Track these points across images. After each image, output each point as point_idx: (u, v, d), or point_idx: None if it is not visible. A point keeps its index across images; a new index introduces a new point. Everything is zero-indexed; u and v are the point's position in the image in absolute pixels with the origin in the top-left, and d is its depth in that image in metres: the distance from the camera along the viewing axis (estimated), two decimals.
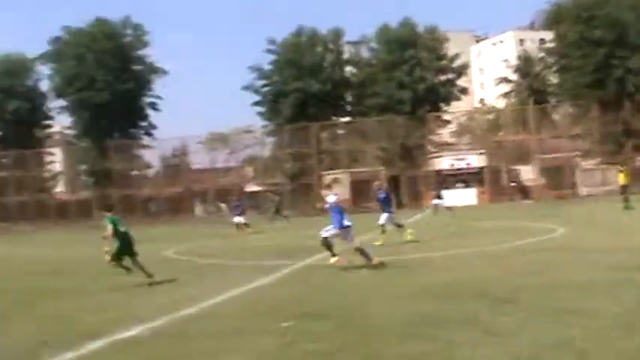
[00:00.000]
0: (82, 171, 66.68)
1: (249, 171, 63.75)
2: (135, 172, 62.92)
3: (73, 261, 19.45)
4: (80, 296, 11.82)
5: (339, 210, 13.12)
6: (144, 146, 63.34)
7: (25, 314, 10.31)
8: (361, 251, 13.17)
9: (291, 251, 16.10)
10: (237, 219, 29.48)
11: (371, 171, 51.19)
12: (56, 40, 62.44)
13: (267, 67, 61.01)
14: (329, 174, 53.61)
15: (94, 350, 7.18)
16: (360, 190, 45.63)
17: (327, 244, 13.19)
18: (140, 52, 62.63)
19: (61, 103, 63.78)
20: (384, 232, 17.99)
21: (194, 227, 40.50)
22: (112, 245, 12.41)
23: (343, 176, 51.52)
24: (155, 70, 62.72)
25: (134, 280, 12.73)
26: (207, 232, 32.72)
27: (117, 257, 12.47)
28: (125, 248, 12.45)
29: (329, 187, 13.42)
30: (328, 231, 13.19)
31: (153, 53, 68.76)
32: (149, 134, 63.04)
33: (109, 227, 12.23)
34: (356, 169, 52.77)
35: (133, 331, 7.98)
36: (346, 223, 13.01)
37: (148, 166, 64.27)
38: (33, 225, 55.33)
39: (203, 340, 7.34)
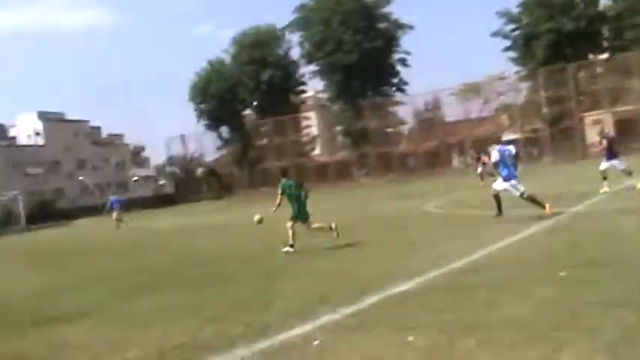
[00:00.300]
0: (338, 132, 76.95)
1: (504, 119, 68.91)
2: (390, 130, 71.56)
3: (339, 220, 21.07)
4: (349, 253, 13.34)
5: (506, 162, 15.01)
6: (397, 103, 72.33)
7: (299, 272, 11.65)
8: (495, 197, 15.22)
9: (555, 198, 16.86)
10: (480, 170, 34.28)
11: (636, 109, 54.63)
12: (302, 7, 73.48)
13: (515, 10, 67.22)
14: (590, 115, 58.23)
15: (370, 304, 8.16)
16: (625, 130, 49.64)
17: (530, 199, 14.83)
18: (384, 10, 71.66)
19: (312, 68, 75.15)
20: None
21: (452, 180, 45.13)
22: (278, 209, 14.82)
23: (605, 117, 55.01)
24: (401, 26, 71.45)
25: (400, 236, 14.72)
26: (466, 184, 35.27)
27: (294, 220, 14.50)
28: (297, 212, 14.53)
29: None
30: (517, 188, 14.90)
31: (396, 10, 77.84)
32: (401, 90, 72.17)
33: (279, 192, 14.59)
34: (620, 109, 56.47)
35: (405, 286, 8.94)
36: (506, 175, 14.93)
37: (402, 122, 73.03)
38: None
39: (479, 292, 8.05)
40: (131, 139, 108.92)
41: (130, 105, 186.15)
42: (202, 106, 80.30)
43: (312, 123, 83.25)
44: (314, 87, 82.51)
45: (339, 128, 77.10)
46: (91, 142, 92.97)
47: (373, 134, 69.23)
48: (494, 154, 15.19)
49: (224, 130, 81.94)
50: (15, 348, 8.26)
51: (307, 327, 7.42)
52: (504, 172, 15.01)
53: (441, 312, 7.33)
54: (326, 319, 7.71)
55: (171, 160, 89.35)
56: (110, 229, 33.37)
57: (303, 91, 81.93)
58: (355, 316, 7.74)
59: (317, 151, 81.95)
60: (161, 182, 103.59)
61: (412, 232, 15.50)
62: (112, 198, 37.32)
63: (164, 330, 8.26)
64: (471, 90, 67.94)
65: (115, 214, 34.90)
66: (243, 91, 77.82)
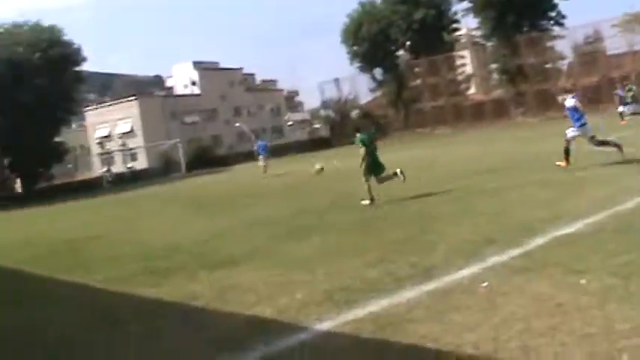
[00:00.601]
0: (494, 70, 74.73)
1: None
2: (548, 65, 68.51)
3: (501, 159, 21.94)
4: (510, 193, 13.08)
5: (577, 111, 15.38)
6: (554, 37, 69.09)
7: (458, 213, 11.66)
8: (599, 142, 15.65)
9: None
10: (622, 109, 33.17)
11: None
12: None
13: None
14: None
15: (537, 246, 7.90)
16: None
17: (566, 148, 15.51)
18: None
19: (465, 5, 73.07)
20: None
21: (616, 116, 41.21)
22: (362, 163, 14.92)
23: None
24: None
25: (562, 176, 14.40)
26: (631, 120, 32.82)
27: (367, 174, 14.85)
28: (371, 165, 14.84)
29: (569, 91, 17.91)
30: (570, 132, 15.49)
31: None
32: (559, 24, 68.84)
33: (361, 148, 14.79)
34: None
35: (572, 228, 8.61)
36: (584, 121, 15.38)
37: (561, 57, 69.57)
38: (450, 128, 66.78)
39: None
40: (284, 85, 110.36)
41: (284, 51, 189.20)
42: (355, 48, 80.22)
43: (466, 62, 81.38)
44: (467, 25, 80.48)
45: (494, 66, 74.67)
46: (245, 89, 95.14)
47: (530, 71, 66.79)
48: (571, 101, 15.51)
49: (377, 72, 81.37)
50: (187, 291, 8.61)
51: (474, 268, 7.34)
52: (575, 119, 15.46)
53: (613, 254, 6.99)
54: (493, 260, 7.57)
55: (325, 104, 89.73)
56: (265, 175, 33.75)
57: (457, 30, 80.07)
58: (523, 257, 7.51)
59: (472, 90, 79.89)
60: (316, 126, 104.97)
61: (575, 172, 14.95)
62: (260, 143, 37.32)
63: (329, 272, 8.35)
64: (636, 20, 63.56)
65: (261, 159, 34.99)
66: (396, 31, 76.99)
